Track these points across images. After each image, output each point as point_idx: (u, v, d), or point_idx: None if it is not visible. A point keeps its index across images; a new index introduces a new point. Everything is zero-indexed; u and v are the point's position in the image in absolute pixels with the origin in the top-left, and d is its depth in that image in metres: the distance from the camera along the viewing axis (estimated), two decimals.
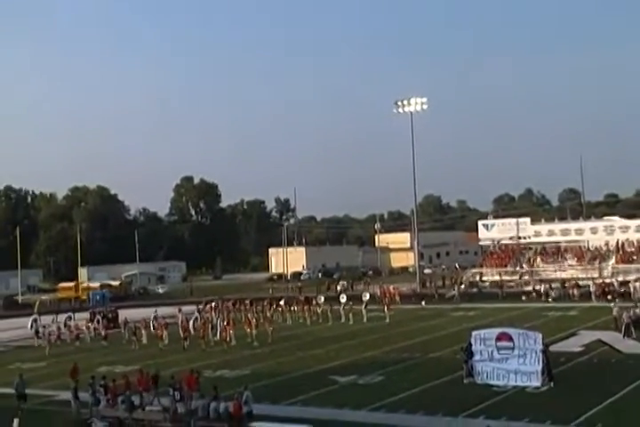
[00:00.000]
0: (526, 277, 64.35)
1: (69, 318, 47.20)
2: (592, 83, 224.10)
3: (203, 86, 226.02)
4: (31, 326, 45.48)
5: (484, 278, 66.52)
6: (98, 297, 54.69)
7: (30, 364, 35.88)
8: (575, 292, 53.63)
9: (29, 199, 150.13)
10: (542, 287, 56.07)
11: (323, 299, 51.63)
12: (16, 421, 21.76)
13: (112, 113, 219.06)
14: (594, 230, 67.69)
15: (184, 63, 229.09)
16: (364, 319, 45.42)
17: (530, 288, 58.07)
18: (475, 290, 61.30)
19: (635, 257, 62.13)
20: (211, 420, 20.58)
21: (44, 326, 45.36)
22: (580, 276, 60.38)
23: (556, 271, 63.72)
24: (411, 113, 68.35)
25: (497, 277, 65.36)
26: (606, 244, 65.46)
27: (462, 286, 63.22)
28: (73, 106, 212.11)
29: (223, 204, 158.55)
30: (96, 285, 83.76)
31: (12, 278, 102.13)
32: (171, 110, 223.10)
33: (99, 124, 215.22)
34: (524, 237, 70.99)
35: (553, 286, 56.44)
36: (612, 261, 62.78)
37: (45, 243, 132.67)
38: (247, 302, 53.48)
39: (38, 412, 24.32)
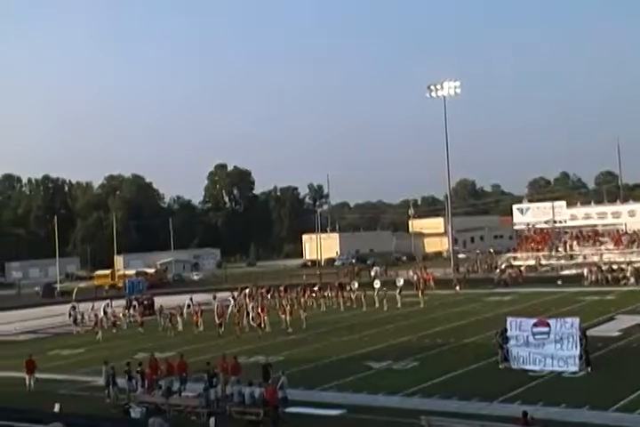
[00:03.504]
0: (562, 262, 63.62)
1: (107, 305, 47.81)
2: (628, 62, 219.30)
3: (234, 73, 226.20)
4: (69, 314, 46.23)
5: (543, 262, 65.58)
6: (134, 285, 55.23)
7: (69, 350, 36.50)
8: (612, 276, 52.93)
9: (66, 188, 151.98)
10: (584, 271, 55.34)
11: (357, 285, 51.57)
12: (57, 405, 22.18)
13: (145, 101, 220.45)
14: (631, 213, 66.61)
15: (215, 51, 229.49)
16: (399, 305, 45.33)
17: (566, 272, 57.46)
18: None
19: None
20: (246, 405, 20.71)
21: (82, 314, 46.13)
22: (618, 260, 59.50)
23: (592, 255, 62.85)
24: (444, 97, 67.62)
25: (532, 262, 64.84)
26: None
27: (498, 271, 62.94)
28: (106, 94, 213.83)
29: (256, 191, 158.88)
30: (132, 272, 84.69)
31: (51, 267, 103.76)
32: (204, 97, 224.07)
33: (133, 112, 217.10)
34: (560, 221, 70.13)
35: (590, 270, 55.68)
36: None
37: (82, 231, 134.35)
38: (281, 288, 53.68)
39: (77, 397, 24.75)
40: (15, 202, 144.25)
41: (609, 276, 53.24)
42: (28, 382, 26.54)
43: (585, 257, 62.38)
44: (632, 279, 50.86)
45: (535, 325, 25.08)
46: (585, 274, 54.34)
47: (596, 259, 61.26)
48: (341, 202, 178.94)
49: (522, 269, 62.71)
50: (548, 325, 24.81)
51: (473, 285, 56.80)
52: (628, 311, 37.16)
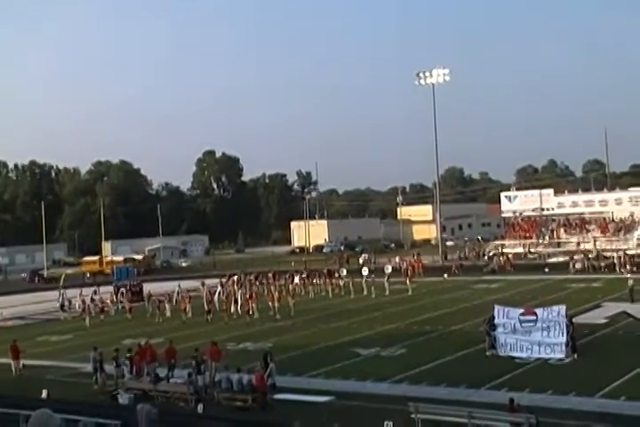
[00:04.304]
0: (549, 249, 63.92)
1: (95, 292, 47.66)
2: (615, 52, 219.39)
3: (222, 60, 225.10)
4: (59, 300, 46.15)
5: (532, 250, 65.75)
6: (122, 271, 54.98)
7: (57, 337, 36.43)
8: (599, 264, 53.22)
9: (53, 174, 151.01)
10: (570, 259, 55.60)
11: (345, 272, 51.66)
12: (44, 391, 22.15)
13: (134, 88, 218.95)
14: (618, 201, 66.86)
15: (202, 37, 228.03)
16: (387, 292, 45.43)
17: (553, 260, 57.71)
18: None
19: None
20: (234, 392, 20.75)
21: (70, 300, 46.00)
22: (605, 247, 59.84)
23: (579, 243, 63.17)
24: (433, 84, 67.50)
25: (520, 249, 65.12)
26: (631, 215, 64.71)
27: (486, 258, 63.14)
28: (95, 81, 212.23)
29: (245, 177, 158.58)
30: (120, 258, 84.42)
31: (38, 253, 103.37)
32: (192, 84, 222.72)
33: (121, 99, 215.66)
34: (547, 209, 70.35)
35: (576, 257, 56.01)
36: (638, 232, 62.05)
37: (69, 217, 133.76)
38: (269, 275, 53.70)
39: (65, 383, 24.72)
40: (1, 187, 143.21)
41: (595, 264, 53.54)
42: (14, 367, 26.51)
43: (578, 244, 62.60)
44: (627, 267, 51.02)
45: (522, 313, 25.21)
46: (570, 262, 54.62)
47: (582, 246, 61.56)
48: (330, 189, 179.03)
49: (509, 256, 62.96)
50: (535, 313, 24.94)
51: (462, 272, 57.03)
52: (614, 299, 37.38)
